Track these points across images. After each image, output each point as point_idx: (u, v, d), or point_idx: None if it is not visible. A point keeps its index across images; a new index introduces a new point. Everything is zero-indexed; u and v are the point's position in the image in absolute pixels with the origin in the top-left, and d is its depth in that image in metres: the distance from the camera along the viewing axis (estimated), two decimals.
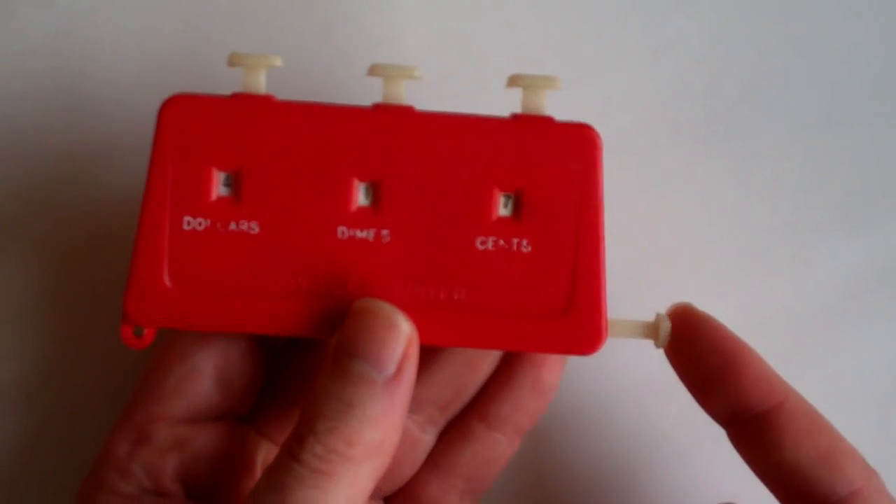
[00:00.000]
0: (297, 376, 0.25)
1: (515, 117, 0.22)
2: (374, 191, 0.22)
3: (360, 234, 0.22)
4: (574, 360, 0.25)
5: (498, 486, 0.27)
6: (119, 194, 0.27)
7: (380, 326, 0.21)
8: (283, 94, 0.22)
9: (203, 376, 0.23)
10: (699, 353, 0.23)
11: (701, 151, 0.29)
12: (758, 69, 0.29)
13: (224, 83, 0.27)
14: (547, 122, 0.22)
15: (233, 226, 0.21)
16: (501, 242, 0.22)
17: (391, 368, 0.20)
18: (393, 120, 0.22)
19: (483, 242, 0.22)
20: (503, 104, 0.28)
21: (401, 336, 0.21)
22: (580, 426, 0.29)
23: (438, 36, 0.28)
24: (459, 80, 0.28)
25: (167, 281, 0.21)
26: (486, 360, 0.25)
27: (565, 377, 0.26)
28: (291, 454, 0.20)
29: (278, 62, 0.21)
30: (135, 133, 0.27)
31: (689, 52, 0.29)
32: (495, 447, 0.25)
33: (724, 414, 0.23)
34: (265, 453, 0.24)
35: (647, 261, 0.29)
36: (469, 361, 0.25)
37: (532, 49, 0.29)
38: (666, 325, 0.23)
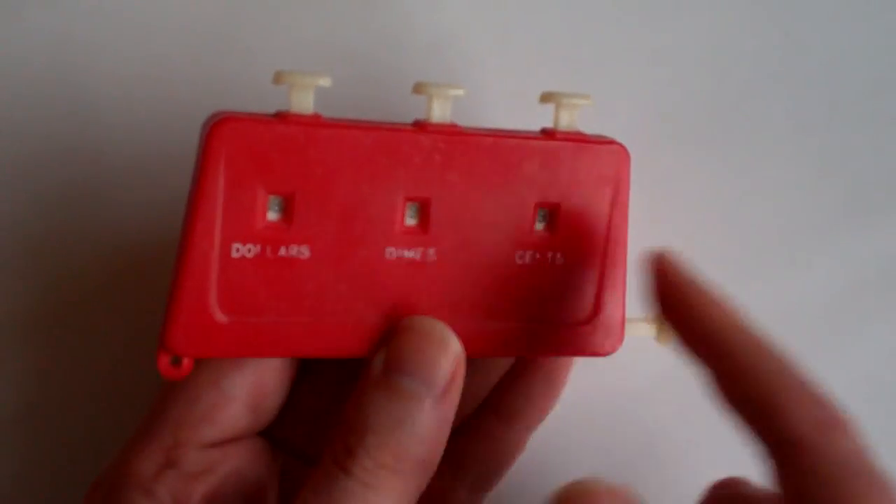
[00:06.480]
0: (308, 384, 0.25)
1: (551, 133, 0.22)
2: (422, 210, 0.21)
3: (408, 253, 0.21)
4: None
5: (499, 484, 0.27)
6: (121, 197, 0.27)
7: (431, 345, 0.21)
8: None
9: (235, 402, 0.22)
10: (661, 290, 0.22)
11: (701, 151, 0.29)
12: (758, 69, 0.30)
13: (225, 83, 0.27)
14: (580, 137, 0.23)
15: (283, 251, 0.21)
16: (538, 256, 0.22)
17: (440, 387, 0.21)
18: (439, 139, 0.21)
19: (521, 256, 0.22)
20: (502, 105, 0.28)
21: (451, 355, 0.21)
22: (581, 425, 0.29)
23: (436, 37, 0.28)
24: (459, 81, 0.28)
25: (215, 310, 0.20)
26: (501, 365, 0.26)
27: None
28: (340, 465, 0.20)
29: (327, 82, 0.20)
30: (138, 136, 0.27)
31: (689, 53, 0.29)
32: (506, 442, 0.26)
33: (695, 348, 0.22)
34: (282, 464, 0.24)
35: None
36: (483, 367, 0.25)
37: (532, 50, 0.29)
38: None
